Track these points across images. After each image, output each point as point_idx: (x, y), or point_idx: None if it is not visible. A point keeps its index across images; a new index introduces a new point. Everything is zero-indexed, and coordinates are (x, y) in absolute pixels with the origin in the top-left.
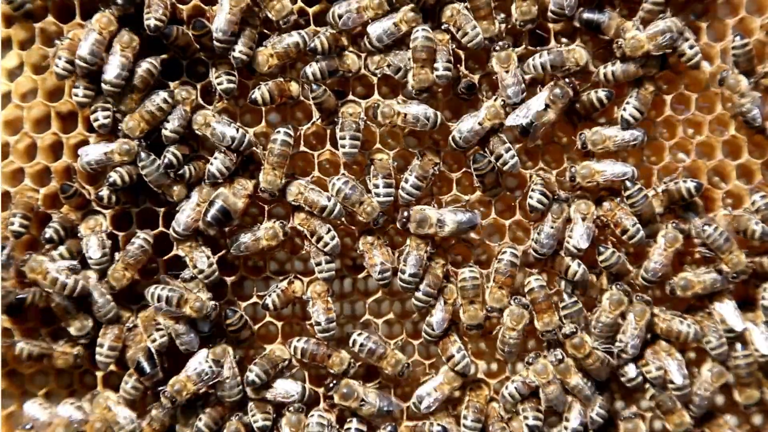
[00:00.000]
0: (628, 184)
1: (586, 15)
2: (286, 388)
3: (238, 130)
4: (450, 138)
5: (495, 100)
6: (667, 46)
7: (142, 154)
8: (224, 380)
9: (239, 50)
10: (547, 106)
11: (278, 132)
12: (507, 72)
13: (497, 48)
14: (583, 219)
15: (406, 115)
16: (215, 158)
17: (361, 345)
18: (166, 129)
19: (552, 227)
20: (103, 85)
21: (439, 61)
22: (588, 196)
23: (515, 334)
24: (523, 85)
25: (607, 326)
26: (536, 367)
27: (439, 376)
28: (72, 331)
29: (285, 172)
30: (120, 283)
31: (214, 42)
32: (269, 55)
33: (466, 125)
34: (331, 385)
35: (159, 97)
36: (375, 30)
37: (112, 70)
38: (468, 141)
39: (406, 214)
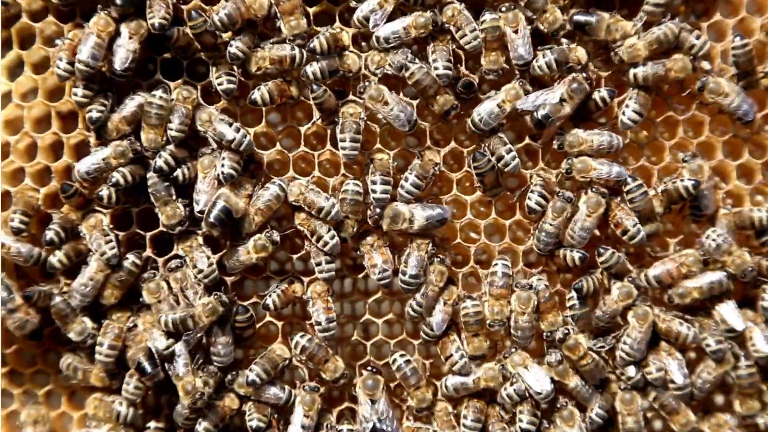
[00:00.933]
0: (629, 179)
1: (577, 17)
2: (275, 391)
3: (239, 130)
4: (469, 120)
5: (515, 82)
6: (663, 50)
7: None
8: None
9: (236, 46)
10: (563, 100)
11: (273, 183)
12: (516, 32)
13: (503, 9)
14: (589, 216)
15: (393, 108)
16: (224, 159)
17: (399, 367)
18: (171, 129)
19: (552, 225)
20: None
21: (439, 60)
22: (605, 193)
23: (526, 317)
24: (531, 45)
25: (609, 315)
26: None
27: (479, 371)
28: (72, 336)
29: (264, 221)
30: (108, 301)
31: (213, 19)
32: (261, 57)
33: (486, 107)
34: (369, 367)
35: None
36: (384, 31)
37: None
38: (488, 124)
39: (378, 210)
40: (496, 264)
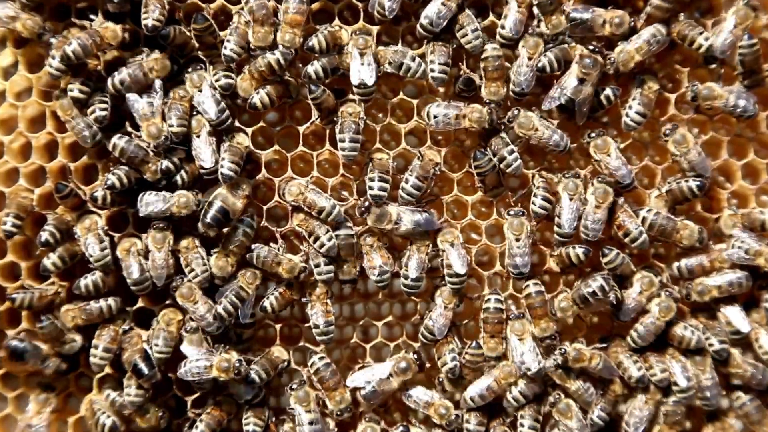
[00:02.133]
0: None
1: (573, 14)
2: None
3: (223, 111)
4: (510, 90)
5: (530, 34)
6: (655, 51)
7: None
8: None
9: (230, 48)
10: (581, 80)
11: (241, 221)
12: (519, 6)
13: None
14: (598, 207)
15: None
16: (223, 159)
17: (413, 400)
18: (172, 126)
19: (571, 204)
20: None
21: (436, 61)
22: (611, 182)
23: (521, 243)
24: (522, 27)
25: (634, 311)
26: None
27: (495, 371)
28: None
29: (238, 261)
30: (67, 324)
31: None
32: (250, 79)
33: (522, 72)
34: (416, 355)
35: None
36: (428, 13)
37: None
38: (529, 85)
39: (366, 204)
40: (488, 300)
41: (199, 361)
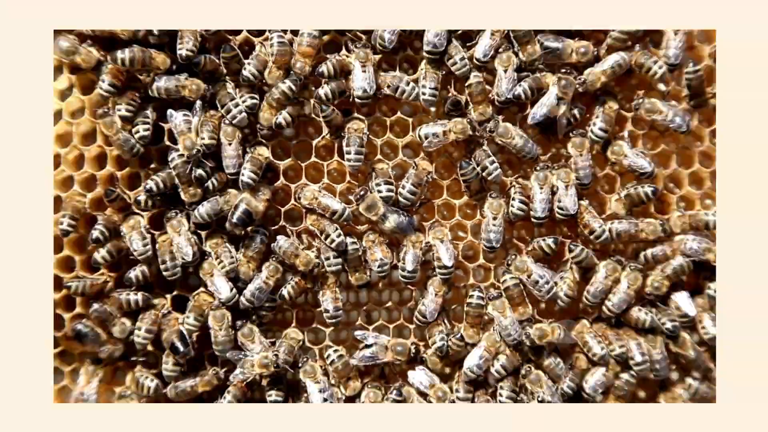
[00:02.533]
0: (571, 246)
1: (546, 43)
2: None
3: (241, 113)
4: (496, 99)
5: (501, 50)
6: (618, 75)
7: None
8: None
9: (249, 71)
10: (560, 99)
11: (257, 231)
12: (505, 71)
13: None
14: (566, 187)
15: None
16: (245, 168)
17: (418, 381)
18: (203, 139)
19: (541, 193)
20: None
21: (427, 86)
22: (550, 167)
23: (497, 222)
24: (493, 50)
25: (600, 293)
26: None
27: (482, 341)
28: (116, 334)
29: (258, 265)
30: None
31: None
32: (269, 109)
33: (504, 84)
34: (415, 348)
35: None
36: (429, 39)
37: None
38: (510, 90)
39: (363, 193)
40: (471, 295)
41: (246, 359)
